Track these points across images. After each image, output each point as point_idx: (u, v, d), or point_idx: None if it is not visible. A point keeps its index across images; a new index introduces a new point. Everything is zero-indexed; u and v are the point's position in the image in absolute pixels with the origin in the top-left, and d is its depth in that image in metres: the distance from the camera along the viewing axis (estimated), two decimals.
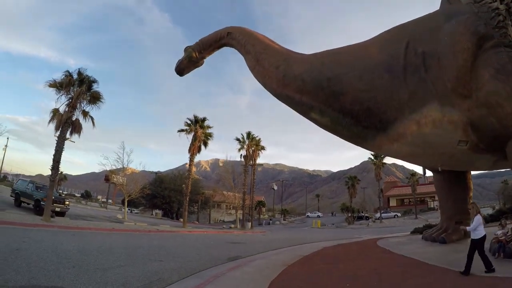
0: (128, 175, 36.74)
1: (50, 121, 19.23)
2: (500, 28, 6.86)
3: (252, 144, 42.21)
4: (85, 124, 20.96)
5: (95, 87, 20.58)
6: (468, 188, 11.75)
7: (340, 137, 9.59)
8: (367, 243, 17.12)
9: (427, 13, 9.18)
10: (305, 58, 9.43)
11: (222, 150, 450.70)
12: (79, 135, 20.57)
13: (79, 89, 19.24)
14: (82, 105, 20.50)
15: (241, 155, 42.73)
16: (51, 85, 19.27)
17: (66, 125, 19.41)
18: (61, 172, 57.76)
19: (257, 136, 42.90)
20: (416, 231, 18.80)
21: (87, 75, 20.00)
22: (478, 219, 6.39)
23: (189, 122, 34.78)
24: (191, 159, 34.37)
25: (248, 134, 42.48)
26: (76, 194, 79.57)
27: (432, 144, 8.13)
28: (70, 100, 19.59)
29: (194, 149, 33.92)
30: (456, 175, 11.40)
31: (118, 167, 34.23)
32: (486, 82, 7.09)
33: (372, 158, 51.40)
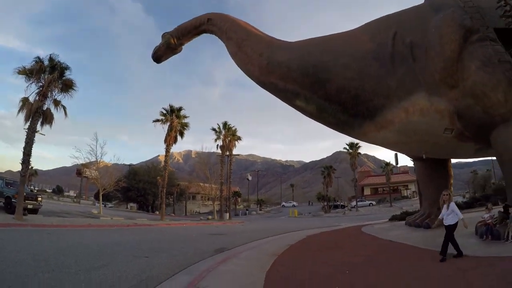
0: (101, 168, 35.16)
1: (19, 111, 17.99)
2: (507, 17, 6.96)
3: (228, 134, 41.80)
4: (57, 114, 19.77)
5: (67, 74, 19.40)
6: (449, 175, 12.01)
7: (325, 124, 9.56)
8: (351, 230, 17.18)
9: (413, 5, 9.25)
10: (290, 45, 9.31)
11: (195, 141, 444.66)
12: (50, 126, 19.40)
13: (50, 76, 18.02)
14: (54, 94, 19.28)
15: (217, 145, 42.36)
16: (20, 72, 17.94)
17: (36, 115, 18.21)
18: (32, 167, 54.93)
19: (233, 126, 42.56)
20: (394, 218, 19.26)
21: (58, 61, 18.78)
22: (453, 205, 6.53)
23: (164, 112, 33.86)
24: (167, 150, 33.49)
25: (225, 124, 42.05)
26: (48, 190, 76.43)
27: (418, 131, 8.30)
28: (41, 88, 18.35)
29: (170, 140, 33.09)
30: (437, 163, 11.62)
31: (92, 160, 32.55)
32: (472, 73, 7.42)
33: (348, 148, 52.39)
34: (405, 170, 65.28)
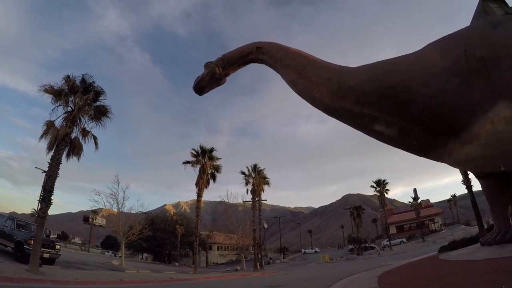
0: (115, 216, 29.79)
1: (42, 136, 13.98)
2: None
3: (258, 178, 37.33)
4: (84, 146, 15.80)
5: (101, 99, 15.69)
6: None
7: (404, 148, 8.88)
8: (426, 261, 14.74)
9: (466, 26, 9.22)
10: (358, 69, 8.62)
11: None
12: (78, 158, 15.32)
13: (84, 96, 14.33)
14: (84, 121, 15.45)
15: (247, 190, 37.63)
16: (47, 91, 14.26)
17: (62, 143, 14.21)
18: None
19: (263, 169, 38.21)
20: (443, 249, 18.25)
21: (93, 82, 15.19)
22: None
23: (195, 153, 29.74)
24: (199, 194, 28.75)
25: (255, 166, 37.76)
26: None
27: (503, 141, 7.65)
28: (71, 112, 14.57)
29: (202, 183, 28.57)
30: (504, 178, 11.02)
31: (112, 204, 27.50)
32: None
33: (375, 186, 47.83)
34: (428, 204, 60.27)
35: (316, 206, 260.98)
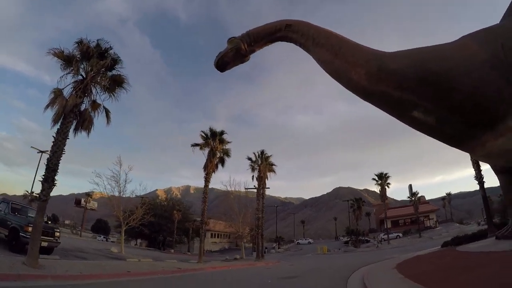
0: (115, 200, 27.29)
1: (48, 106, 11.80)
2: None
3: (265, 165, 35.57)
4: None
5: (117, 68, 13.50)
6: None
7: (439, 137, 8.64)
8: (444, 253, 14.48)
9: (501, 22, 9.32)
10: (397, 54, 8.32)
11: (194, 177, 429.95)
12: (88, 133, 13.20)
13: (100, 62, 12.14)
14: (96, 92, 13.30)
15: (252, 176, 35.89)
16: (56, 55, 11.96)
17: (70, 115, 12.08)
18: (33, 192, 47.28)
19: (270, 155, 36.41)
20: (446, 244, 18.53)
21: (110, 48, 12.94)
22: None
23: (204, 135, 27.67)
24: (207, 179, 26.75)
25: (262, 153, 35.94)
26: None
27: None
28: (82, 80, 12.38)
29: (211, 167, 26.58)
30: None
31: (114, 188, 25.26)
32: None
33: (376, 179, 46.65)
34: (424, 201, 60.05)
35: (307, 197, 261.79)
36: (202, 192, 27.00)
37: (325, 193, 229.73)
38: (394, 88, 7.90)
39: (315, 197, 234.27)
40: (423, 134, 8.97)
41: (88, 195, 58.63)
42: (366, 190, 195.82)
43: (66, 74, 12.35)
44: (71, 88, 12.44)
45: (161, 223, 49.26)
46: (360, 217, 48.40)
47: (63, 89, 12.07)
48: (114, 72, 13.29)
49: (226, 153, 28.25)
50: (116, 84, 13.38)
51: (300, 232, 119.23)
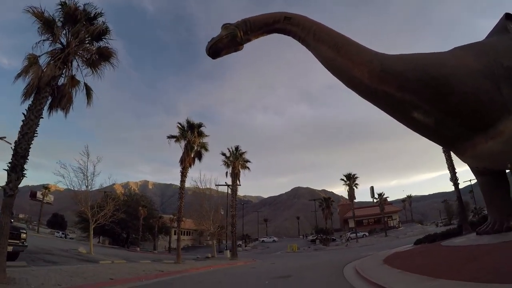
0: (82, 194, 24.19)
1: (19, 75, 9.50)
2: None
3: (240, 160, 34.23)
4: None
5: (105, 40, 11.39)
6: (508, 186, 12.05)
7: (436, 138, 9.56)
8: (431, 248, 14.42)
9: (489, 38, 10.22)
10: (399, 57, 8.73)
11: (152, 172, 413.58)
12: (65, 113, 11.01)
13: (90, 27, 10.06)
14: (77, 65, 11.11)
15: (226, 172, 34.37)
16: (35, 15, 9.60)
17: (46, 89, 9.87)
18: None
19: (244, 152, 35.12)
20: (419, 242, 18.93)
21: (101, 13, 10.81)
22: None
23: (181, 127, 25.65)
24: (183, 173, 24.79)
25: (236, 148, 34.54)
26: None
27: None
28: (62, 49, 10.19)
29: (189, 161, 24.69)
30: (499, 176, 11.73)
31: (81, 180, 22.19)
32: None
33: (344, 179, 47.44)
34: (387, 202, 62.68)
35: (266, 196, 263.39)
36: (180, 187, 24.96)
37: (284, 192, 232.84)
38: (396, 89, 8.15)
39: (274, 196, 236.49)
40: (420, 135, 9.58)
41: (45, 187, 53.29)
42: (324, 191, 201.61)
43: (43, 41, 10.09)
44: (48, 57, 10.21)
45: (126, 220, 45.66)
46: (329, 216, 48.87)
47: (39, 56, 9.80)
48: (101, 43, 11.20)
49: (204, 146, 26.52)
50: (102, 58, 11.34)
51: (261, 230, 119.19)
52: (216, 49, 9.32)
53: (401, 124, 9.29)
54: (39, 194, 53.32)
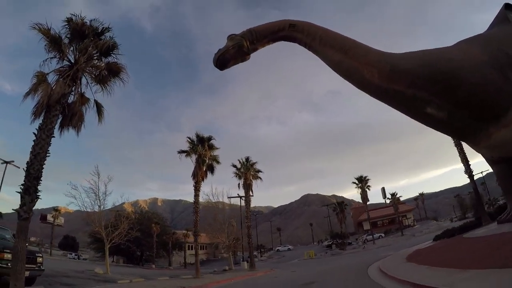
0: (95, 215, 23.59)
1: (28, 93, 9.26)
2: None
3: (251, 171, 33.73)
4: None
5: (114, 54, 11.17)
6: None
7: (449, 131, 9.65)
8: (453, 242, 14.26)
9: (490, 30, 10.38)
10: (408, 55, 8.72)
11: (160, 189, 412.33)
12: (77, 132, 10.69)
13: (99, 42, 9.84)
14: (86, 82, 10.87)
15: (238, 184, 33.84)
16: (41, 31, 9.44)
17: (56, 107, 9.60)
18: None
19: (255, 162, 34.62)
20: (438, 238, 18.77)
21: (108, 28, 10.62)
22: None
23: (191, 141, 25.34)
24: (196, 187, 24.41)
25: (247, 159, 34.07)
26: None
27: None
28: (71, 66, 9.96)
29: (201, 174, 24.24)
30: None
31: (93, 200, 21.84)
32: None
33: (356, 182, 46.58)
34: (400, 202, 61.62)
35: (276, 205, 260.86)
36: (194, 202, 24.49)
37: (294, 200, 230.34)
38: (407, 86, 8.20)
39: (284, 205, 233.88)
40: (435, 130, 9.50)
41: (56, 210, 53.25)
42: (334, 196, 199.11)
43: (51, 58, 9.89)
44: (57, 75, 10.00)
45: (139, 238, 45.19)
46: (344, 220, 47.83)
47: (47, 74, 9.57)
48: (110, 59, 10.98)
49: (215, 159, 26.12)
50: (111, 73, 11.10)
51: (274, 240, 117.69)
52: (224, 60, 9.20)
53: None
54: (49, 217, 53.12)
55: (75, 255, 51.22)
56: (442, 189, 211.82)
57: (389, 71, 8.38)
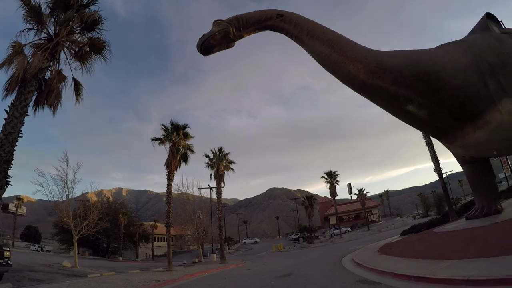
0: (63, 204, 21.81)
1: (2, 65, 8.29)
2: None
3: (224, 162, 33.32)
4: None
5: (97, 30, 10.33)
6: (493, 173, 13.13)
7: (428, 129, 10.13)
8: (426, 235, 14.74)
9: (472, 36, 10.78)
10: (394, 53, 9.03)
11: (125, 178, 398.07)
12: (53, 111, 9.83)
13: (85, 12, 9.01)
14: (65, 58, 9.97)
15: (210, 175, 33.31)
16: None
17: (32, 82, 8.72)
18: None
19: (227, 153, 34.24)
20: (405, 233, 19.62)
21: (92, 0, 9.78)
22: None
23: (165, 128, 24.43)
24: (170, 177, 23.58)
25: (220, 150, 33.61)
26: None
27: (506, 129, 8.79)
28: (50, 38, 9.06)
29: (175, 163, 23.48)
30: (484, 164, 12.41)
31: (61, 189, 20.33)
32: None
33: (325, 177, 47.86)
34: (366, 198, 64.23)
35: (241, 198, 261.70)
36: (167, 191, 23.67)
37: (259, 193, 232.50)
38: (391, 83, 8.41)
39: (249, 198, 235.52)
40: (414, 128, 10.07)
41: (19, 199, 49.33)
42: (300, 190, 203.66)
43: (28, 29, 8.92)
44: (33, 47, 9.04)
45: (107, 229, 43.04)
46: (312, 214, 49.04)
47: (24, 45, 8.62)
48: (93, 34, 10.14)
49: (189, 148, 25.39)
50: (93, 50, 10.29)
51: (239, 232, 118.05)
52: (208, 45, 9.08)
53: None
54: (11, 206, 48.98)
55: (38, 246, 48.21)
56: (405, 187, 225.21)
57: (374, 67, 8.51)
